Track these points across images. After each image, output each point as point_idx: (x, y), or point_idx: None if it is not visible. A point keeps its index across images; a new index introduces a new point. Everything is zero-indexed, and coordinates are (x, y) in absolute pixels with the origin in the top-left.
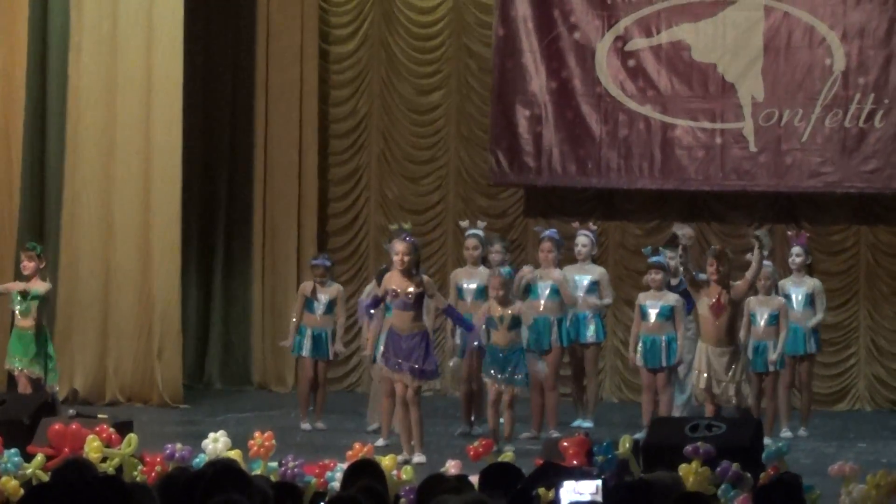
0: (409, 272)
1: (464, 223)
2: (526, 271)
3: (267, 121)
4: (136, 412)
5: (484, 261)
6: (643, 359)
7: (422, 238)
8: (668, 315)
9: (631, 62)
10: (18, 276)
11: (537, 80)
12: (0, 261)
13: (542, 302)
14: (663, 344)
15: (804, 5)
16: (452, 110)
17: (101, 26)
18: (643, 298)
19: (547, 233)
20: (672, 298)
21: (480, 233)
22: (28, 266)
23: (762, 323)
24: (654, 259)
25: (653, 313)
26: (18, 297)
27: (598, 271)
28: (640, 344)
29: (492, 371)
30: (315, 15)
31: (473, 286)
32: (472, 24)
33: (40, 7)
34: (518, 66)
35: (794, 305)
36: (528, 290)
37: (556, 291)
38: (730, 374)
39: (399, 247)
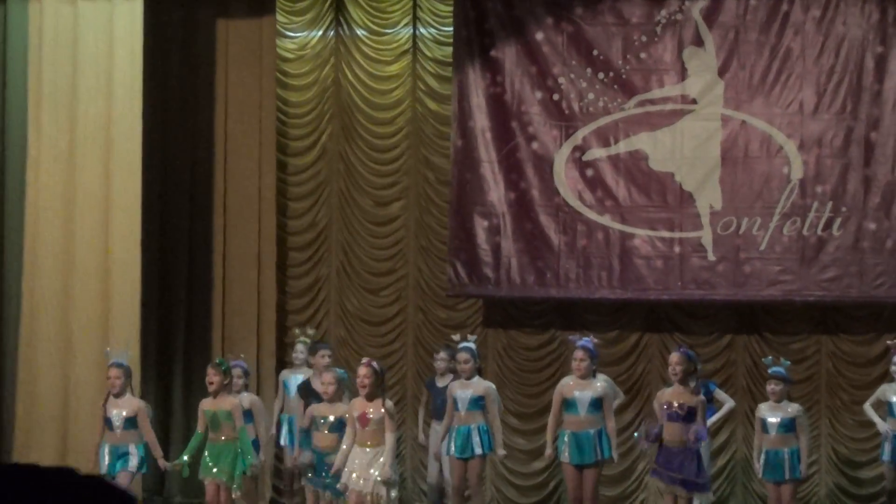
0: (685, 382)
1: (456, 336)
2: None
3: (225, 234)
4: None
5: (479, 372)
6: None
7: (381, 350)
8: (789, 427)
9: (589, 172)
10: None
11: (496, 191)
12: None
13: (582, 415)
14: (786, 456)
15: (762, 115)
16: (411, 222)
17: (59, 143)
18: (764, 410)
19: (581, 342)
20: (794, 410)
21: (473, 346)
22: (214, 381)
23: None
24: (774, 370)
25: (774, 425)
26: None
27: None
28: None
29: None
30: (273, 127)
31: (467, 397)
32: (430, 136)
33: None
34: (476, 177)
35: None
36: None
37: (594, 405)
38: None
39: (674, 358)
